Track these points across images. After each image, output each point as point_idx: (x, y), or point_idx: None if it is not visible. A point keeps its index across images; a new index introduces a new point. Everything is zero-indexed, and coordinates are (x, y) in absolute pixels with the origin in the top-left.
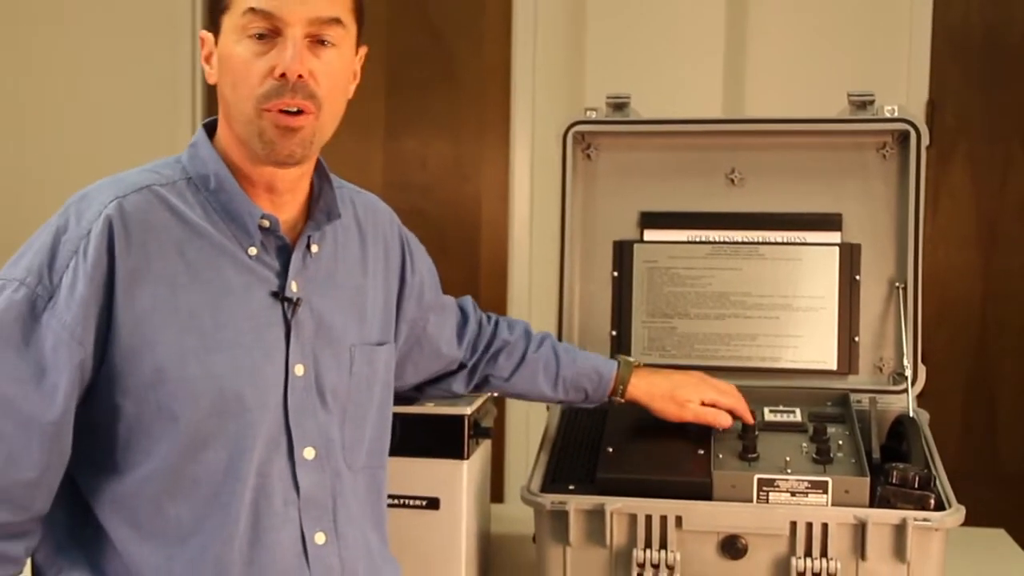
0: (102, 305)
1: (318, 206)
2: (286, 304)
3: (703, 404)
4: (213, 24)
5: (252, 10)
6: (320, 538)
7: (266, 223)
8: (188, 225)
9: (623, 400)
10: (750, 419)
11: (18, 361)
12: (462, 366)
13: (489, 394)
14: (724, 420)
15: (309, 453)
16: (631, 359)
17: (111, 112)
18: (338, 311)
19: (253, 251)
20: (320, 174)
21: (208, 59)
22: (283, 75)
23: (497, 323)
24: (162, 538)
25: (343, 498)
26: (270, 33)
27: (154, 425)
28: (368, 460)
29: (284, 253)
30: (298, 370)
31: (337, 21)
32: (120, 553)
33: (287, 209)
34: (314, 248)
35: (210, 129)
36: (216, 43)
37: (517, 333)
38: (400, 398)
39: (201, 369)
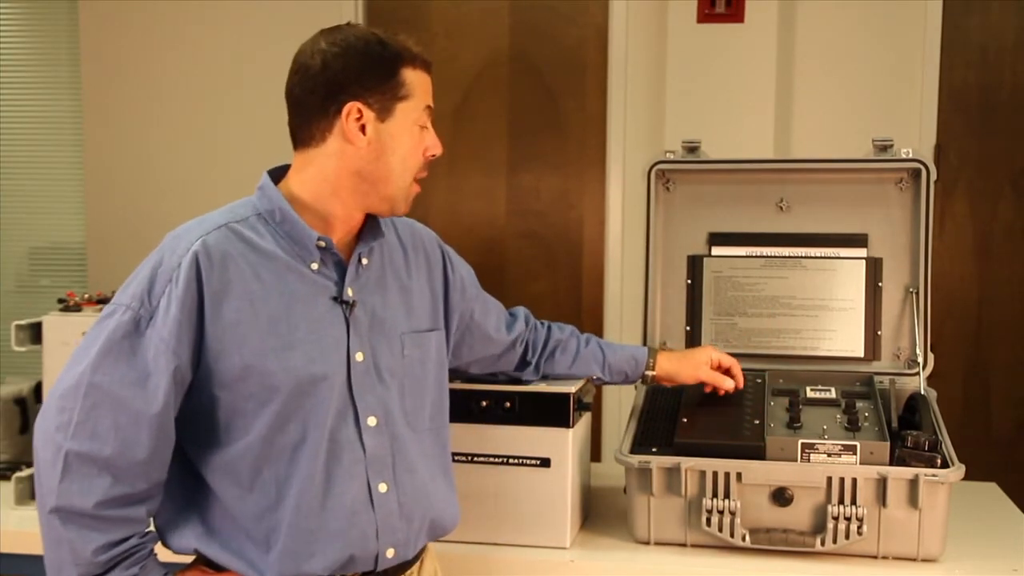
0: (193, 322)
1: (366, 229)
2: (344, 306)
3: (712, 367)
4: (383, 106)
5: (429, 107)
6: (383, 487)
7: (322, 243)
8: (260, 251)
9: (653, 374)
10: (741, 382)
11: (128, 369)
12: (527, 363)
13: (589, 377)
14: (727, 384)
15: (372, 421)
16: (655, 346)
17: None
18: (388, 308)
19: (315, 266)
20: None
21: (363, 129)
22: (433, 155)
23: (550, 327)
24: (260, 493)
25: (402, 455)
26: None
27: (247, 408)
28: (431, 423)
29: (340, 267)
30: (358, 356)
31: None
32: (227, 508)
33: (338, 234)
34: (364, 260)
35: (274, 175)
36: (378, 119)
37: (567, 333)
38: (515, 380)
39: (279, 364)
